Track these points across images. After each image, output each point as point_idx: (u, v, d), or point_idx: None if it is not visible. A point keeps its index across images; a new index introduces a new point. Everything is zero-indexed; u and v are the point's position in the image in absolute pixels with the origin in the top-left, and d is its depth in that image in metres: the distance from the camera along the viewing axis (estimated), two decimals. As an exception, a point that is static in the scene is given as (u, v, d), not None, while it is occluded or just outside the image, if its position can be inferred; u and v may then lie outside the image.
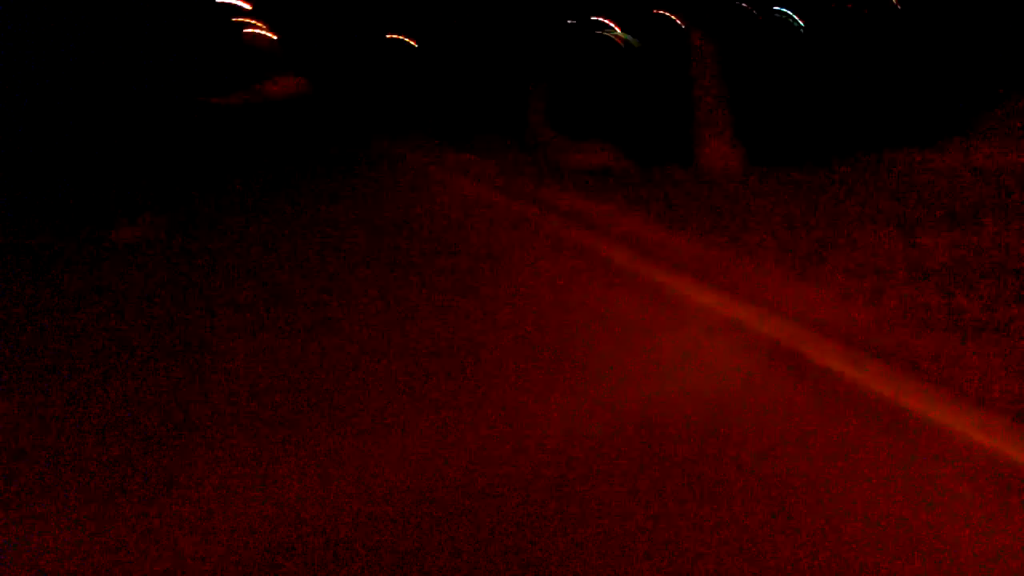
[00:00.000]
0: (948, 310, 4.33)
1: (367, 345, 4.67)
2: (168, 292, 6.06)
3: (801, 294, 4.84)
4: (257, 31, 51.14)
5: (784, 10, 27.17)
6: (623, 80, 13.84)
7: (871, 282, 4.91)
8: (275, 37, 50.52)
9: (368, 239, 7.61)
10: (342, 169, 12.78)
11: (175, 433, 3.69)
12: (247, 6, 44.47)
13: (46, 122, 22.63)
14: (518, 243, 7.14)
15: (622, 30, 33.17)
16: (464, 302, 5.48)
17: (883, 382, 3.58)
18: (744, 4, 25.95)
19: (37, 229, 8.92)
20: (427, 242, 7.34)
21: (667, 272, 5.55)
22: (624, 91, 13.34)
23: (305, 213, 9.18)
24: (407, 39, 45.62)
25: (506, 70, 16.24)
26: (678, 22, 18.05)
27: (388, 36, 42.37)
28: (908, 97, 10.42)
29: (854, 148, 9.78)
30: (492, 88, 18.05)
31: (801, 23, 25.56)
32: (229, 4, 46.48)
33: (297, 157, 14.98)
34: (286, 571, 2.68)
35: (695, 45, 9.06)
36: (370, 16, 39.58)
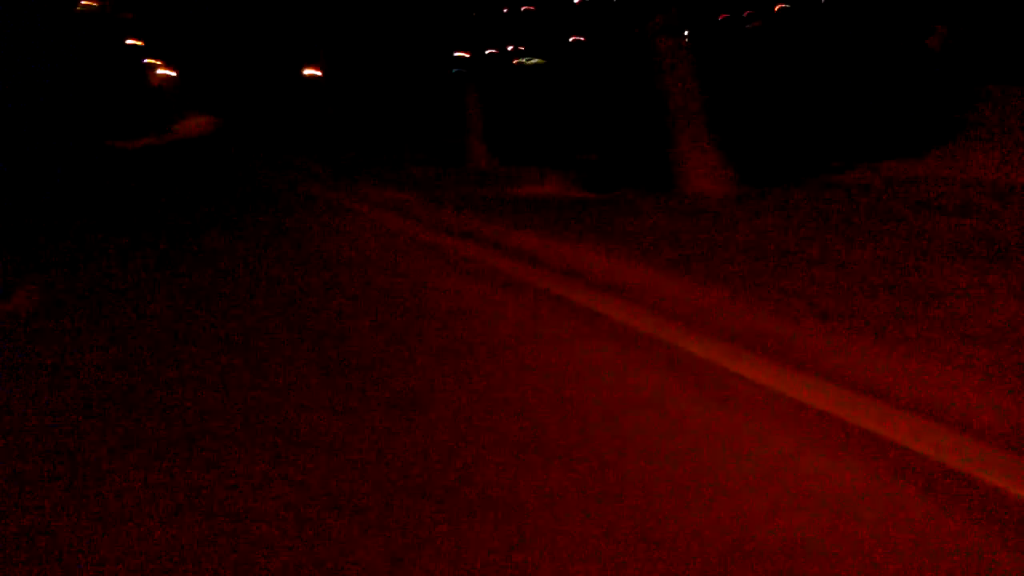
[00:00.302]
0: None
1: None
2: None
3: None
4: (162, 70, 48.70)
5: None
6: (551, 103, 12.27)
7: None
8: (177, 76, 48.11)
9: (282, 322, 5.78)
10: (255, 213, 10.86)
11: None
12: (140, 43, 42.07)
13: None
14: (464, 290, 5.37)
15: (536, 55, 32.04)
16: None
17: None
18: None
19: None
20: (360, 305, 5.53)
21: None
22: (556, 115, 11.70)
23: (207, 279, 7.34)
24: (315, 70, 43.81)
25: (432, 97, 14.66)
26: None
27: (299, 69, 40.38)
28: (893, 103, 9.09)
29: (848, 158, 8.37)
30: (417, 115, 16.48)
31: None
32: (134, 45, 44.02)
33: (205, 204, 12.99)
34: None
35: (662, 54, 7.51)
36: (274, 49, 37.69)
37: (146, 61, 46.42)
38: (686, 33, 7.82)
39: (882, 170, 8.17)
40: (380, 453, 2.96)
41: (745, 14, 24.69)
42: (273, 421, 3.27)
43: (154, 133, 40.08)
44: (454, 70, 31.33)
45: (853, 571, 2.14)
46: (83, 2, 37.13)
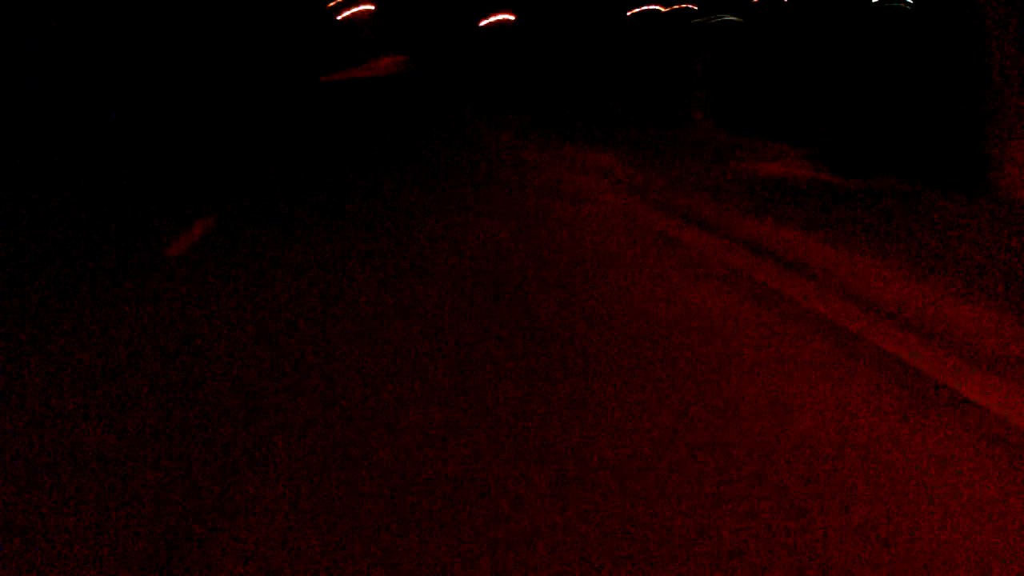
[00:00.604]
0: None
1: None
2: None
3: None
4: (360, 10, 49.04)
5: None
6: (816, 59, 10.50)
7: None
8: (373, 13, 48.26)
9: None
10: (457, 173, 9.93)
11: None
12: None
13: (179, 102, 23.27)
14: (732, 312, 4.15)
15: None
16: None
17: None
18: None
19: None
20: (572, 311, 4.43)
21: None
22: (820, 74, 9.94)
23: (395, 232, 6.44)
24: (506, 14, 42.86)
25: (642, 47, 13.26)
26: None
27: (490, 16, 39.42)
28: None
29: None
30: (623, 70, 15.11)
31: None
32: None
33: (407, 153, 12.20)
34: None
35: (980, 4, 5.87)
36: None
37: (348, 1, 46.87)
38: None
39: None
40: None
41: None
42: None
43: (347, 70, 40.43)
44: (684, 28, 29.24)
45: None
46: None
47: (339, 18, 46.88)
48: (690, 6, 41.44)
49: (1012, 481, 2.41)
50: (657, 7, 43.01)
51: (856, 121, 8.47)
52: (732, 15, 36.84)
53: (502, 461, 2.67)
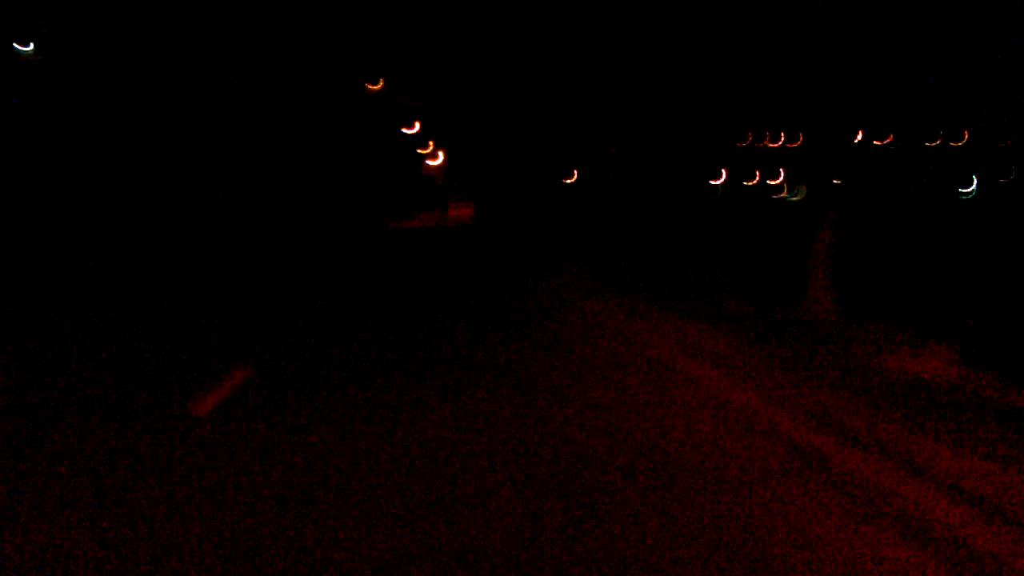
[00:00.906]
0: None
1: None
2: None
3: None
4: (436, 159, 49.68)
5: None
6: (954, 235, 9.13)
7: None
8: (447, 162, 48.81)
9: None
10: (523, 339, 8.70)
11: None
12: (417, 129, 42.80)
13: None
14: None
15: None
16: None
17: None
18: None
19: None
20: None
21: None
22: (959, 254, 8.48)
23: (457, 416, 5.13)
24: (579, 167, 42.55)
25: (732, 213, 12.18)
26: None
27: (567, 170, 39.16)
28: None
29: None
30: (714, 233, 14.02)
31: None
32: (414, 135, 45.15)
33: (467, 314, 11.04)
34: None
35: None
36: (539, 145, 36.77)
37: (423, 152, 47.60)
38: None
39: None
40: None
41: None
42: None
43: (420, 217, 40.42)
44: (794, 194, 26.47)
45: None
46: (370, 86, 38.05)
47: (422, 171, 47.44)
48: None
49: None
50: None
51: (1006, 311, 7.07)
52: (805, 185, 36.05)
53: None
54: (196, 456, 4.36)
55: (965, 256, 8.09)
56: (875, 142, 24.72)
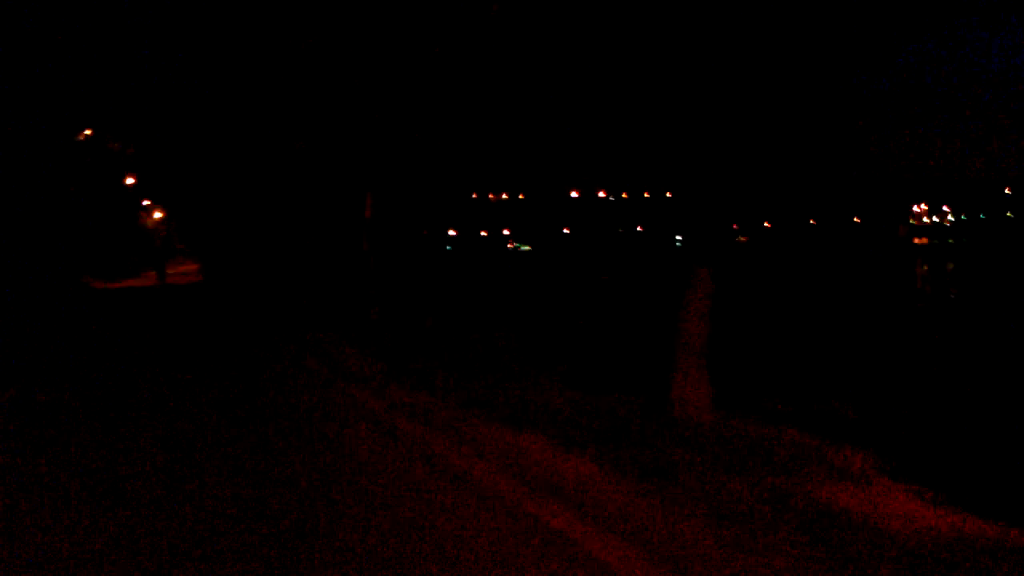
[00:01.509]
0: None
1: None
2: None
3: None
4: (156, 212, 44.29)
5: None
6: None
7: None
8: (167, 217, 43.65)
9: None
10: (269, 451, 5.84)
11: None
12: (134, 181, 37.71)
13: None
14: None
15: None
16: None
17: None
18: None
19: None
20: None
21: None
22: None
23: None
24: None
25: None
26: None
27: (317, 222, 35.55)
28: None
29: None
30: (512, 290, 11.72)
31: None
32: (130, 185, 39.66)
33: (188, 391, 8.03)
34: None
35: None
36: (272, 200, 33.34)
37: (143, 205, 42.21)
38: None
39: None
40: None
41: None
42: None
43: (135, 276, 35.41)
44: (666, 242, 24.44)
45: None
46: (85, 132, 32.96)
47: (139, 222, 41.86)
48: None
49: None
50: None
51: (923, 405, 5.25)
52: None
53: None
54: None
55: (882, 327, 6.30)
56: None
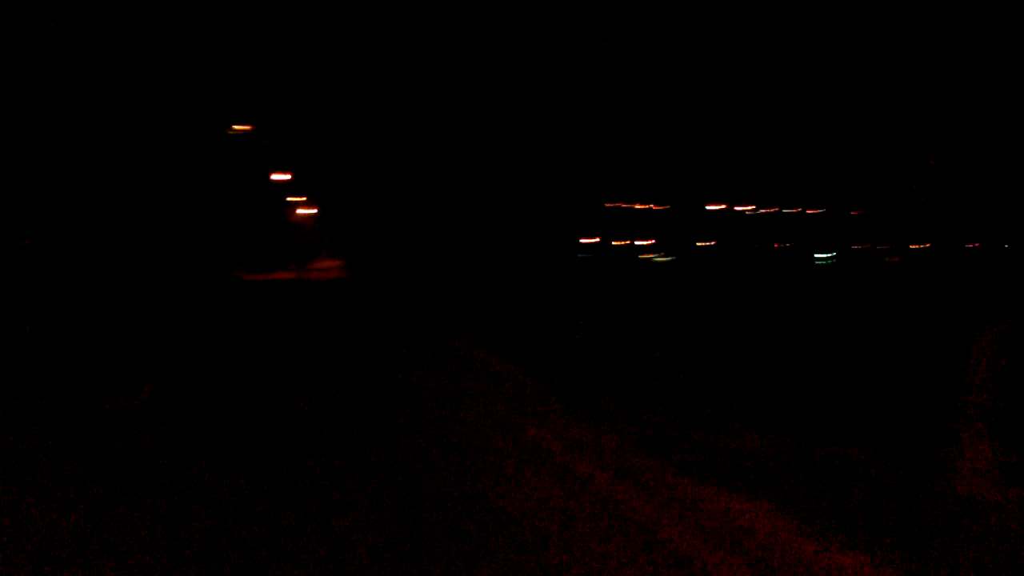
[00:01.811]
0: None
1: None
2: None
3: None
4: (304, 208, 44.98)
5: None
6: None
7: None
8: (317, 213, 44.18)
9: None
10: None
11: None
12: (286, 177, 38.12)
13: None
14: None
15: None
16: None
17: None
18: None
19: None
20: None
21: None
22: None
23: None
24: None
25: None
26: None
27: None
28: None
29: None
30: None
31: None
32: (282, 182, 40.35)
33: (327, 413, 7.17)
34: None
35: None
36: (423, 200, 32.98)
37: (291, 200, 42.91)
38: None
39: None
40: None
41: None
42: None
43: (282, 269, 35.88)
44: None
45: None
46: (235, 127, 33.50)
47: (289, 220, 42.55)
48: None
49: None
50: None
51: None
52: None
53: None
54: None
55: None
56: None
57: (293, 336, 13.59)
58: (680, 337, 11.76)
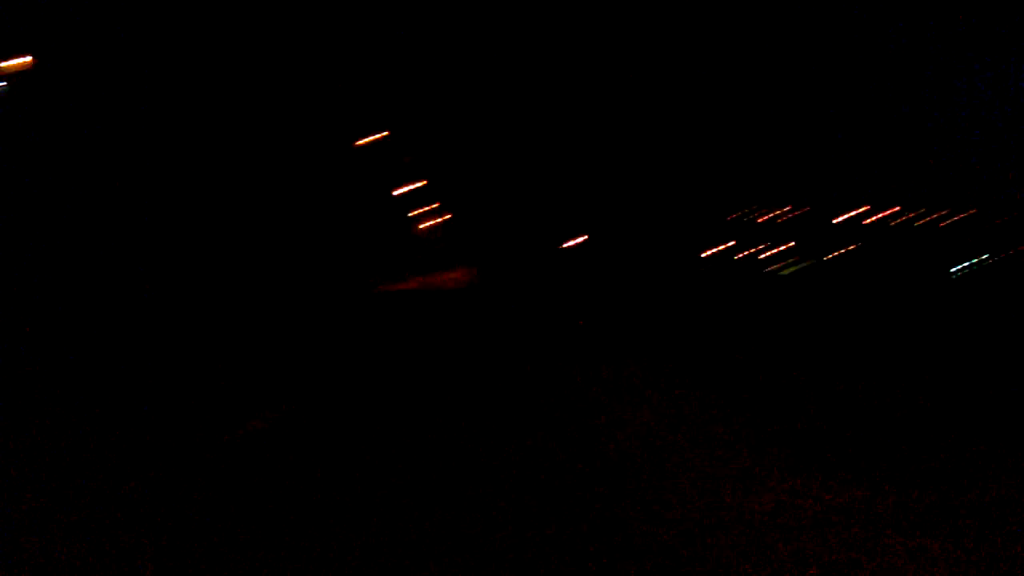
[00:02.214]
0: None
1: None
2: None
3: None
4: (431, 219, 44.51)
5: None
6: None
7: None
8: (446, 223, 43.56)
9: None
10: None
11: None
12: (417, 185, 37.58)
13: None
14: None
15: None
16: None
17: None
18: None
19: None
20: None
21: None
22: None
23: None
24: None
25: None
26: None
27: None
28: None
29: None
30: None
31: None
32: (413, 191, 39.98)
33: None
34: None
35: None
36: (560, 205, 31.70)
37: (419, 212, 42.49)
38: None
39: None
40: None
41: None
42: None
43: (412, 279, 35.38)
44: None
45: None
46: (373, 137, 33.13)
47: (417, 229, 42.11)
48: None
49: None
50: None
51: None
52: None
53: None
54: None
55: None
56: None
57: (432, 351, 12.49)
58: (855, 362, 10.03)
